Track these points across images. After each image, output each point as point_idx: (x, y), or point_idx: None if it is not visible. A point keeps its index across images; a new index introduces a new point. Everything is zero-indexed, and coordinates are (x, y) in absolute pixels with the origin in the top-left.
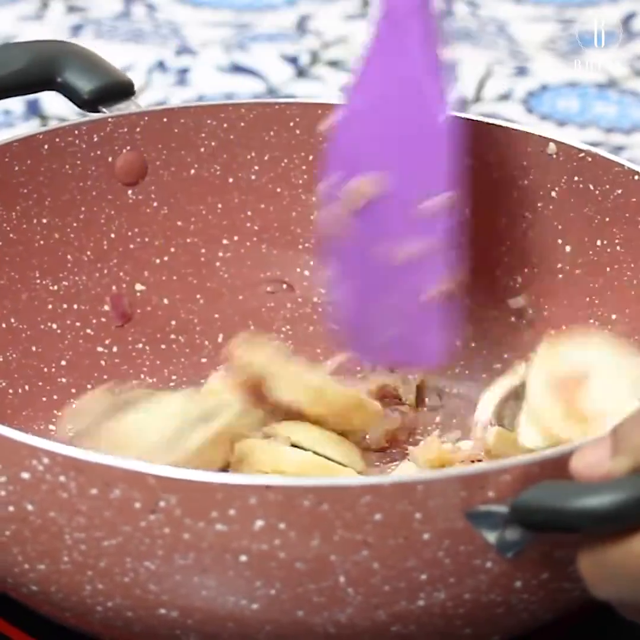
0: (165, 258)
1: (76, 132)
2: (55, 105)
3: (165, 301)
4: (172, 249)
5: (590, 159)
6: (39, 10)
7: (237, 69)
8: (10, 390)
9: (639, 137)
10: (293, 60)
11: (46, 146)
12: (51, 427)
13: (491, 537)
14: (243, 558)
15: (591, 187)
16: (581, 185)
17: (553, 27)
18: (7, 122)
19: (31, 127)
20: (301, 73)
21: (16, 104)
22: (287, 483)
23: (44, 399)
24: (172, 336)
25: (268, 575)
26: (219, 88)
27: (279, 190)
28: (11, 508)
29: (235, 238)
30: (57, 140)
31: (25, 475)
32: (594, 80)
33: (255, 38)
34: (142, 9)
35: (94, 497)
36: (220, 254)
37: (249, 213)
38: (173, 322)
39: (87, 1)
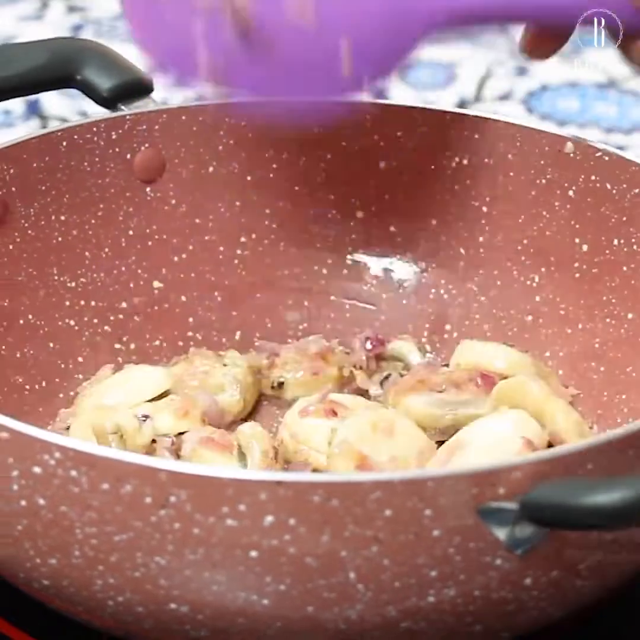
0: (183, 255)
1: (94, 129)
2: (55, 106)
3: (183, 298)
4: (190, 247)
5: (607, 158)
6: (39, 10)
7: None
8: (27, 386)
9: (638, 138)
10: None
11: (64, 143)
12: (69, 421)
13: (501, 534)
14: (253, 553)
15: (608, 186)
16: (598, 185)
17: None
18: (7, 123)
19: (31, 127)
20: None
21: (16, 104)
22: (298, 479)
23: (61, 395)
24: (190, 333)
25: (278, 571)
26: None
27: (297, 188)
28: (23, 502)
29: (253, 236)
30: (76, 137)
31: (37, 469)
32: (594, 81)
33: None
34: None
35: (105, 491)
36: (239, 252)
37: (267, 211)
38: (190, 319)
39: (87, 1)
